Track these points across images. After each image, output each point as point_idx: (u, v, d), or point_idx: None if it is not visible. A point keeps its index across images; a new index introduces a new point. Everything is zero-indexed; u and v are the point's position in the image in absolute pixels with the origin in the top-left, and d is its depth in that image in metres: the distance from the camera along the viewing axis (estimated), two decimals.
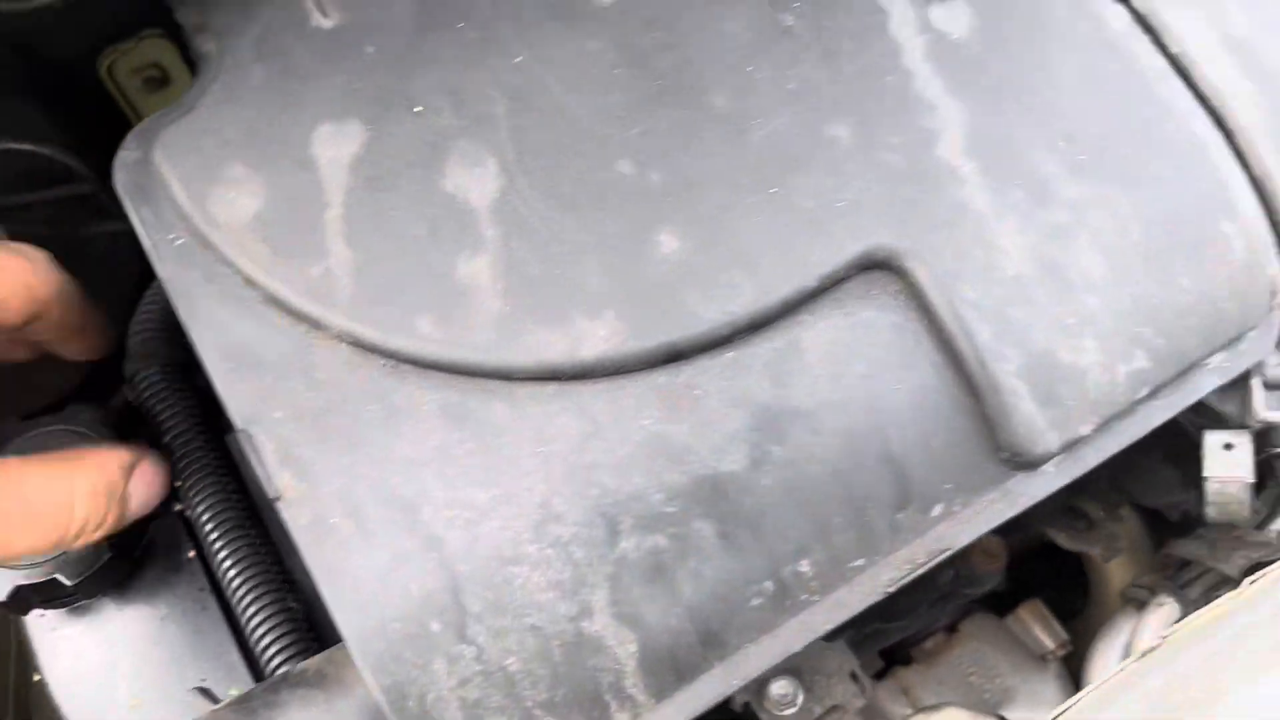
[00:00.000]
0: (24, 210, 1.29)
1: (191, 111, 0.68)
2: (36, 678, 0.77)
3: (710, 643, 0.62)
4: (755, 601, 0.62)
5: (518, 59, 0.67)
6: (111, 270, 1.52)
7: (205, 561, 0.77)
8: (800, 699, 0.77)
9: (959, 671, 1.03)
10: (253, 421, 0.62)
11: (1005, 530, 0.92)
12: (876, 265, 0.63)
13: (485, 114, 0.66)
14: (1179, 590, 0.79)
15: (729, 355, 0.62)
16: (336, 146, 0.66)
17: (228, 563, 0.75)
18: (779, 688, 0.76)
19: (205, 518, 0.77)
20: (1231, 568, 0.76)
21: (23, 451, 0.77)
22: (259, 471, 0.62)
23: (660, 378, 0.62)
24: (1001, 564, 0.89)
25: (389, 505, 0.60)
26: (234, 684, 0.74)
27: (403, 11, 0.69)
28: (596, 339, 0.61)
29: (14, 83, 1.24)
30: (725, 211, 0.63)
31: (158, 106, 1.34)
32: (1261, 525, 0.76)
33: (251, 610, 0.73)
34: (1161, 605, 0.80)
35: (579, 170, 0.64)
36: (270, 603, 0.73)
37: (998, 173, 0.63)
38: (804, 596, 0.63)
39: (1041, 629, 1.01)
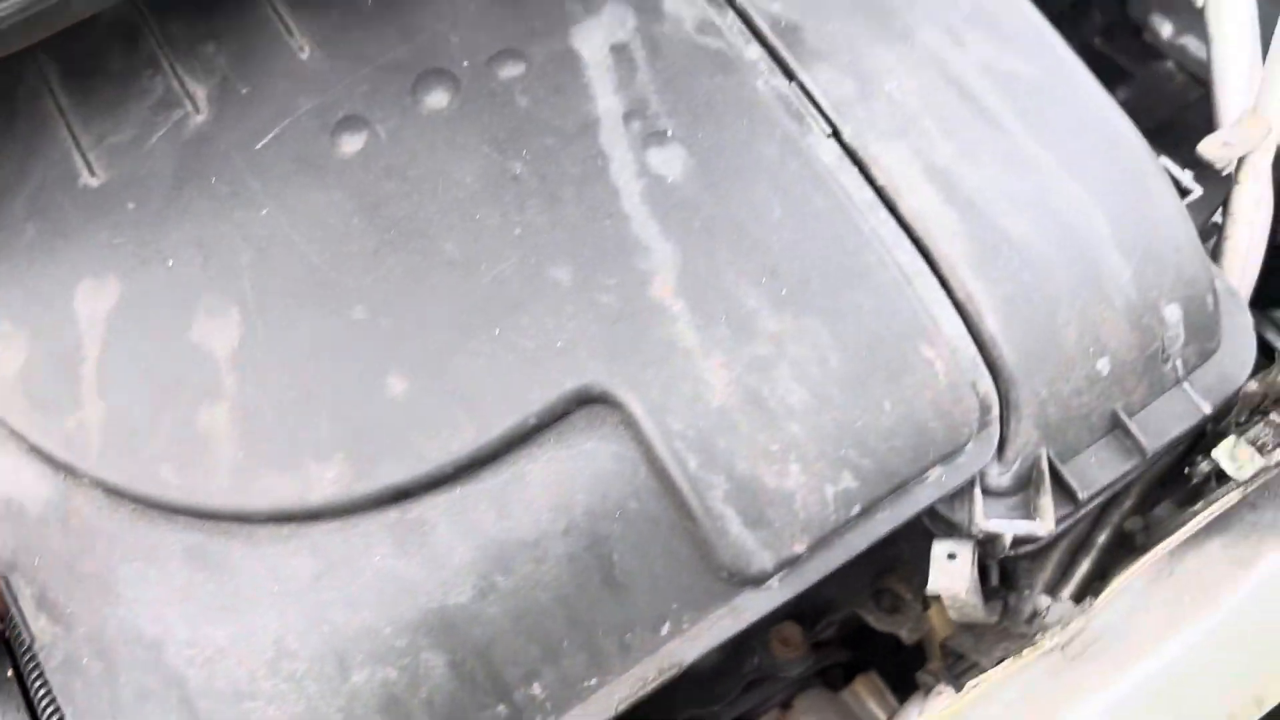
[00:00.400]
0: None
1: None
2: None
3: None
4: None
5: (263, 211, 0.71)
6: None
7: (21, 683, 0.81)
8: None
9: None
10: (13, 568, 0.66)
11: (818, 613, 0.96)
12: (594, 400, 0.67)
13: (231, 265, 0.70)
14: (954, 679, 0.82)
15: (456, 491, 0.66)
16: (95, 301, 0.70)
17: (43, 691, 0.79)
18: None
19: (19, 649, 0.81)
20: (990, 660, 0.79)
21: None
22: (16, 616, 0.66)
23: (391, 515, 0.66)
24: (801, 651, 0.92)
25: (135, 645, 0.64)
26: None
27: (162, 167, 0.73)
28: (325, 481, 0.65)
29: None
30: (451, 353, 0.67)
31: None
32: (1030, 619, 0.79)
33: None
34: (939, 694, 0.83)
35: (315, 316, 0.68)
36: None
37: (705, 310, 0.67)
38: (538, 718, 0.67)
39: (875, 701, 1.04)
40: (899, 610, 0.95)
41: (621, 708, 0.67)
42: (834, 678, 1.06)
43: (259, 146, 0.73)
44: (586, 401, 0.67)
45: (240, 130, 0.73)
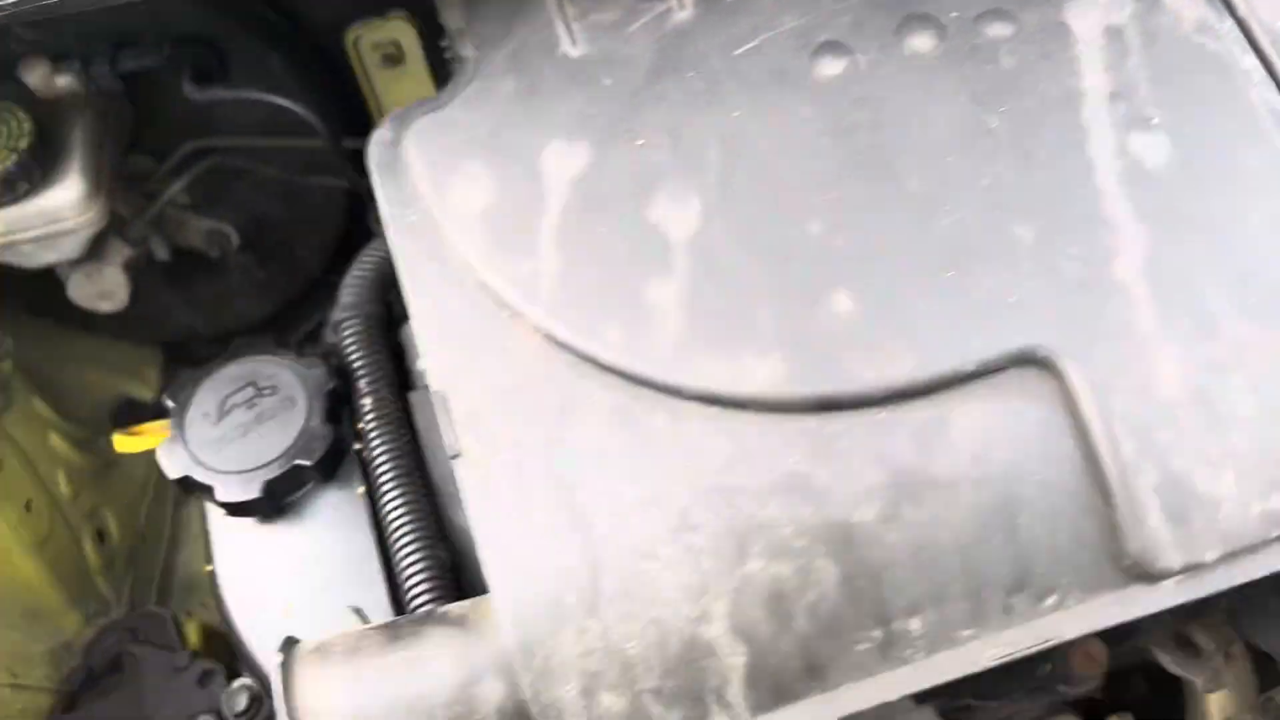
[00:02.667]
0: (255, 154, 1.45)
1: (444, 108, 0.77)
2: (209, 568, 0.87)
3: (813, 674, 0.67)
4: (862, 646, 0.67)
5: (735, 113, 0.74)
6: (317, 219, 1.67)
7: (372, 500, 0.86)
8: None
9: None
10: (448, 385, 0.70)
11: (1111, 638, 0.94)
12: (1034, 362, 0.67)
13: (697, 157, 0.73)
14: None
15: (879, 415, 0.67)
16: (563, 162, 0.74)
17: (391, 506, 0.83)
18: None
19: (379, 461, 0.86)
20: None
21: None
22: (444, 429, 0.70)
23: (812, 422, 0.67)
24: (1101, 669, 0.90)
25: (551, 483, 0.68)
26: (377, 614, 0.82)
27: (641, 53, 0.77)
28: (759, 376, 0.67)
29: (271, 40, 1.39)
30: (901, 284, 0.68)
31: (390, 82, 1.48)
32: None
33: (406, 552, 0.81)
34: None
35: (772, 221, 0.71)
36: (423, 549, 0.81)
37: (1167, 299, 0.67)
38: (908, 652, 0.67)
39: None
40: (1199, 657, 0.92)
41: (990, 665, 0.67)
42: (1082, 709, 1.04)
43: (738, 53, 0.75)
44: (1027, 363, 0.67)
45: (721, 35, 0.76)
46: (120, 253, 1.29)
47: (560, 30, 0.78)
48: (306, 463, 0.85)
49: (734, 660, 0.66)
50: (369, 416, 0.88)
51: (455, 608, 0.71)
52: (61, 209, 1.12)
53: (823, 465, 0.67)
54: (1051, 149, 0.71)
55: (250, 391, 0.89)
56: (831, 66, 0.74)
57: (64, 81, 1.16)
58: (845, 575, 0.66)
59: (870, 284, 0.69)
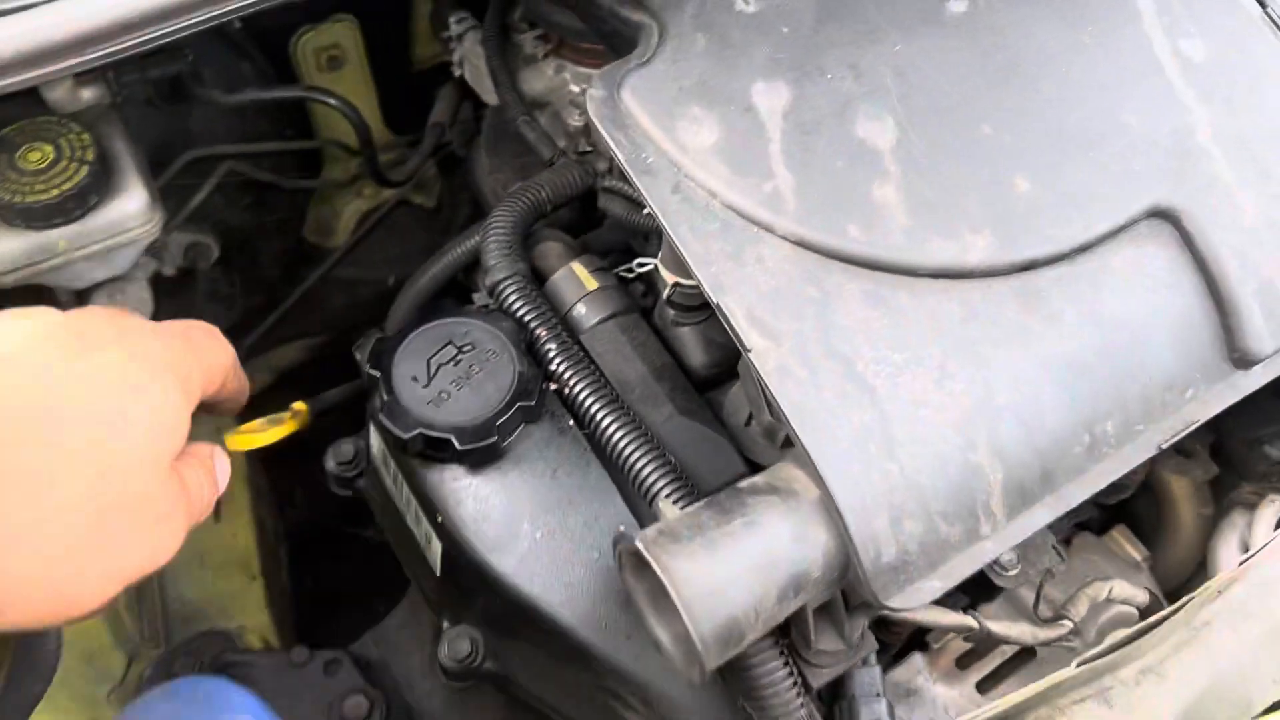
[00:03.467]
0: (257, 160, 1.44)
1: (649, 64, 0.88)
2: (439, 519, 0.92)
3: (1045, 479, 0.84)
4: (1076, 450, 0.85)
5: (896, 47, 0.90)
6: (282, 226, 1.65)
7: (585, 429, 0.94)
8: (1019, 565, 1.00)
9: (1077, 574, 1.28)
10: (723, 292, 0.81)
11: None
12: (1158, 214, 0.88)
13: (879, 84, 0.89)
14: None
15: (1064, 268, 0.86)
16: (770, 98, 0.87)
17: (612, 429, 0.92)
18: (1006, 556, 1.00)
19: (584, 394, 0.94)
20: None
21: None
22: (729, 330, 0.81)
23: (1017, 282, 0.85)
24: (1140, 476, 1.15)
25: (832, 359, 0.81)
26: (618, 521, 0.91)
27: (805, 6, 0.91)
28: (977, 249, 0.84)
29: (239, 48, 1.40)
30: (1058, 166, 0.88)
31: (332, 84, 1.51)
32: None
33: (640, 463, 0.90)
34: (1273, 502, 1.07)
35: (953, 128, 0.88)
36: (655, 456, 0.90)
37: (1235, 156, 0.90)
38: (1105, 449, 0.86)
39: (1131, 546, 1.27)
40: (1192, 458, 1.19)
41: (1158, 450, 0.88)
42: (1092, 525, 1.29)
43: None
44: (1154, 215, 0.88)
45: None
46: (145, 267, 1.26)
47: None
48: (529, 403, 0.92)
49: (994, 476, 0.82)
50: (557, 359, 0.96)
51: (756, 481, 0.82)
52: (126, 220, 1.09)
53: (1032, 314, 0.85)
54: (1130, 54, 0.93)
55: (452, 350, 0.94)
56: (959, 5, 0.93)
57: (89, 94, 1.12)
58: (1066, 399, 0.84)
59: (1038, 168, 0.87)
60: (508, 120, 1.36)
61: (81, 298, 1.20)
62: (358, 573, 1.78)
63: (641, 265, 1.00)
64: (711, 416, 1.00)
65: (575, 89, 1.30)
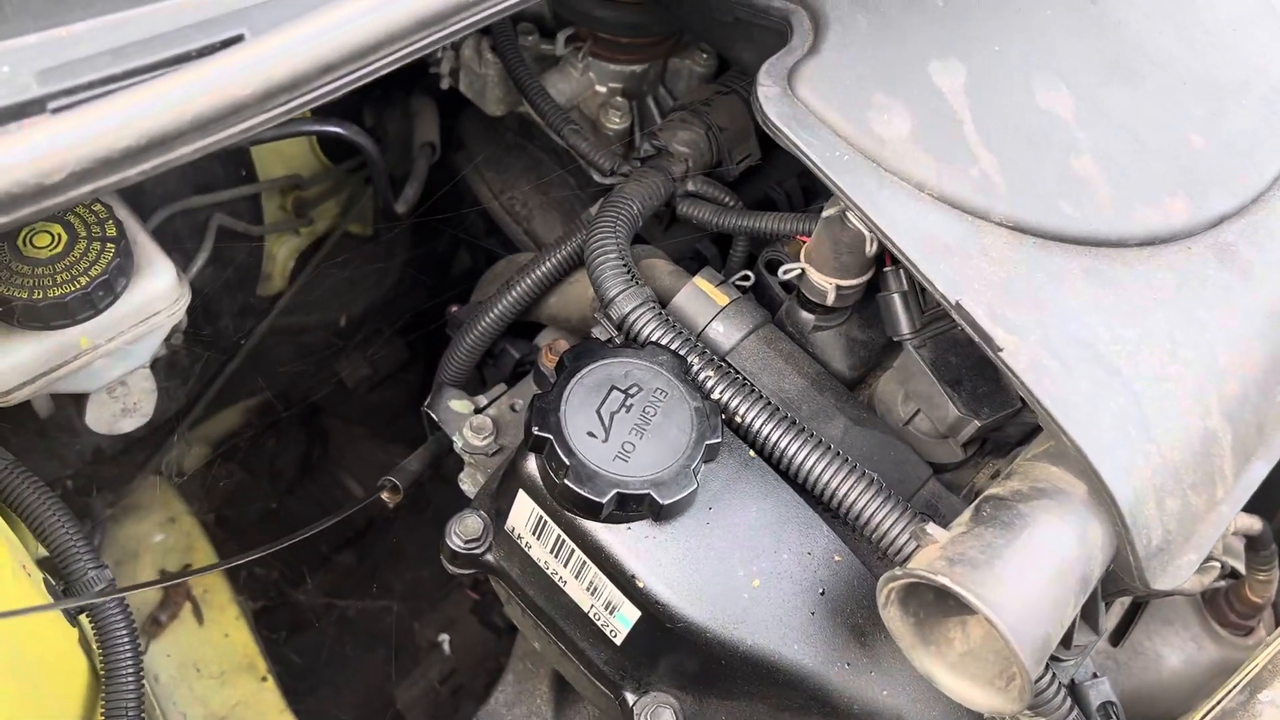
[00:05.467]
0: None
1: (818, 54, 0.80)
2: (637, 583, 0.81)
3: (1259, 431, 0.84)
4: (1277, 399, 0.85)
5: (1047, 11, 0.86)
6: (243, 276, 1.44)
7: (768, 456, 0.86)
8: None
9: None
10: (959, 293, 0.75)
11: None
12: None
13: (1044, 50, 0.84)
14: None
15: (1246, 219, 0.86)
16: (950, 77, 0.81)
17: (802, 453, 0.84)
18: None
19: (757, 420, 0.86)
20: None
21: None
22: (973, 333, 0.75)
23: (1210, 239, 0.84)
24: None
25: (1077, 346, 0.77)
26: (831, 550, 0.83)
27: None
28: (1178, 212, 0.82)
29: None
30: (1220, 116, 0.87)
31: None
32: None
33: (847, 490, 0.83)
34: None
35: (1122, 91, 0.85)
36: (863, 481, 0.83)
37: None
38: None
39: None
40: None
41: None
42: None
43: None
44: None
45: None
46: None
47: None
48: (715, 440, 0.83)
49: (1225, 438, 0.81)
50: (721, 386, 0.87)
51: (1017, 483, 0.77)
52: (154, 301, 0.91)
53: (1229, 269, 0.84)
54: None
55: (619, 396, 0.83)
56: None
57: None
58: (1270, 349, 0.84)
59: (1204, 120, 0.87)
60: (501, 132, 1.23)
61: (78, 400, 0.99)
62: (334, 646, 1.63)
63: (789, 271, 0.92)
64: (877, 417, 0.95)
65: (602, 89, 1.19)
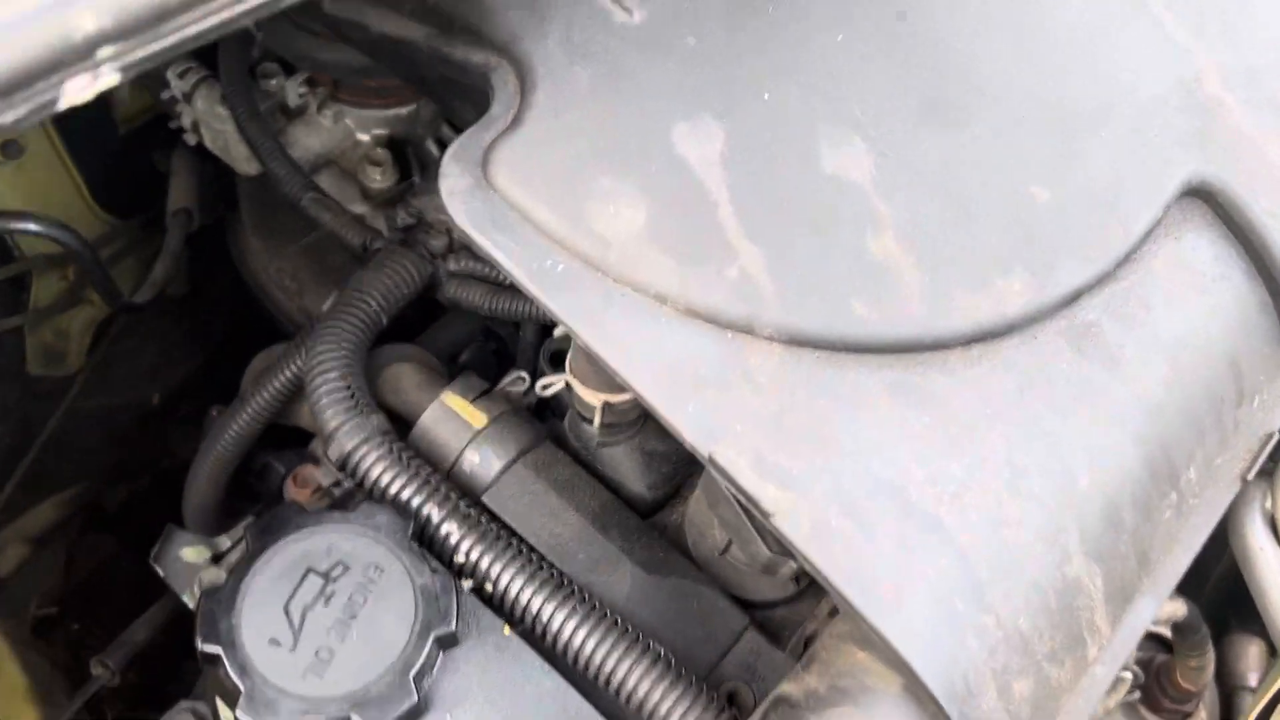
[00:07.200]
0: None
1: (520, 126, 0.60)
2: None
3: (1142, 563, 0.66)
4: (1167, 514, 0.67)
5: (838, 37, 0.66)
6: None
7: (532, 630, 0.68)
8: None
9: None
10: (714, 440, 0.57)
11: None
12: (1191, 193, 0.70)
13: (832, 94, 0.65)
14: None
15: (1110, 289, 0.66)
16: (701, 144, 0.62)
17: (572, 633, 0.66)
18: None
19: (513, 586, 0.68)
20: None
21: None
22: (733, 492, 0.57)
23: (1063, 321, 0.65)
24: None
25: (877, 494, 0.58)
26: None
27: (706, 2, 0.66)
28: (1014, 295, 0.63)
29: None
30: (1074, 155, 0.68)
31: (10, 177, 1.14)
32: None
33: (634, 682, 0.65)
34: None
35: (935, 138, 0.65)
36: (646, 664, 0.66)
37: (1252, 99, 0.73)
38: (1191, 500, 0.69)
39: None
40: None
41: (1245, 479, 0.71)
42: None
43: None
44: (1187, 194, 0.70)
45: None
46: None
47: (603, 0, 0.64)
48: (448, 629, 0.65)
49: (1094, 583, 0.63)
50: (467, 544, 0.69)
51: (814, 679, 0.59)
52: None
53: (1089, 359, 0.65)
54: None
55: (316, 581, 0.65)
56: None
57: None
58: (1148, 455, 0.65)
59: (1050, 164, 0.67)
60: (272, 188, 1.04)
61: None
62: None
63: (547, 387, 0.73)
64: (678, 555, 0.76)
65: (365, 137, 0.99)
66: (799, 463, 0.58)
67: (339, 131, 0.95)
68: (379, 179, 0.92)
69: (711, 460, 0.57)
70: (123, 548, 1.61)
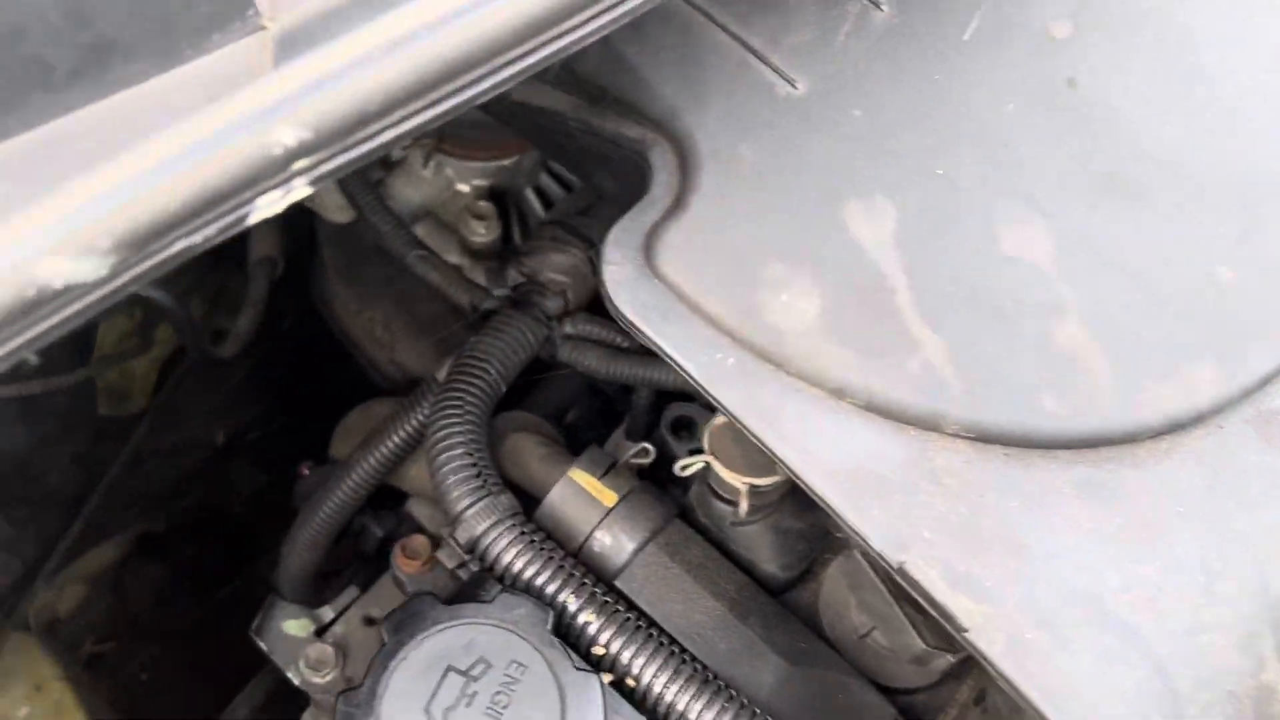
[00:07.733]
0: None
1: (685, 209, 0.57)
2: None
3: None
4: None
5: (1009, 106, 0.63)
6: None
7: None
8: None
9: None
10: (903, 548, 0.53)
11: None
12: None
13: (1007, 165, 0.61)
14: None
15: None
16: (874, 224, 0.58)
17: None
18: None
19: (656, 682, 0.64)
20: None
21: None
22: (927, 606, 0.53)
23: (1250, 409, 0.61)
24: None
25: (1072, 603, 0.55)
26: None
27: (869, 66, 0.62)
28: (1205, 383, 0.59)
29: None
30: (1257, 237, 0.64)
31: None
32: None
33: None
34: None
35: (1120, 214, 0.62)
36: None
37: None
38: None
39: None
40: None
41: None
42: None
43: (966, 37, 0.64)
44: None
45: (939, 21, 0.64)
46: None
47: (764, 71, 0.60)
48: None
49: None
50: (605, 635, 0.65)
51: None
52: None
53: (1276, 448, 0.61)
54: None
55: (457, 681, 0.61)
56: (1060, 28, 0.66)
57: None
58: None
59: (1232, 241, 0.63)
60: (358, 234, 1.00)
61: None
62: None
63: (686, 467, 0.70)
64: (820, 644, 0.73)
65: (465, 188, 0.96)
66: (991, 572, 0.54)
67: (439, 183, 0.92)
68: (483, 233, 0.89)
69: (902, 571, 0.53)
70: (175, 575, 1.59)
